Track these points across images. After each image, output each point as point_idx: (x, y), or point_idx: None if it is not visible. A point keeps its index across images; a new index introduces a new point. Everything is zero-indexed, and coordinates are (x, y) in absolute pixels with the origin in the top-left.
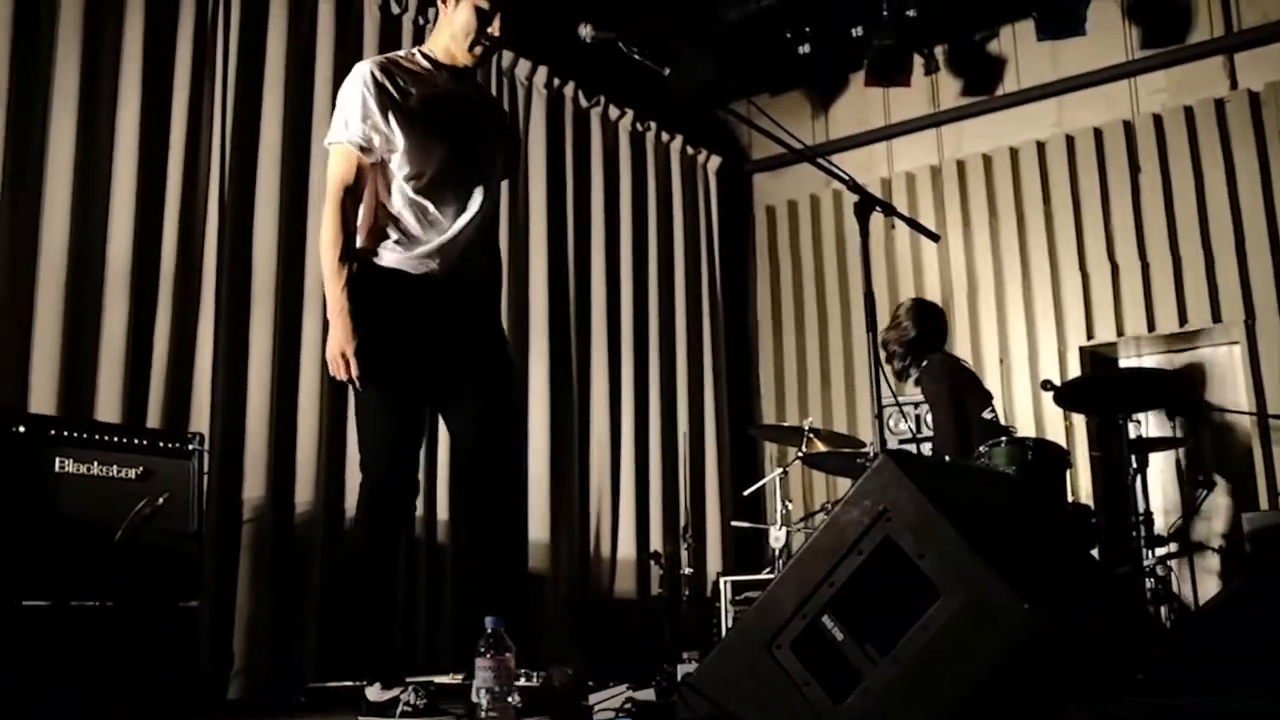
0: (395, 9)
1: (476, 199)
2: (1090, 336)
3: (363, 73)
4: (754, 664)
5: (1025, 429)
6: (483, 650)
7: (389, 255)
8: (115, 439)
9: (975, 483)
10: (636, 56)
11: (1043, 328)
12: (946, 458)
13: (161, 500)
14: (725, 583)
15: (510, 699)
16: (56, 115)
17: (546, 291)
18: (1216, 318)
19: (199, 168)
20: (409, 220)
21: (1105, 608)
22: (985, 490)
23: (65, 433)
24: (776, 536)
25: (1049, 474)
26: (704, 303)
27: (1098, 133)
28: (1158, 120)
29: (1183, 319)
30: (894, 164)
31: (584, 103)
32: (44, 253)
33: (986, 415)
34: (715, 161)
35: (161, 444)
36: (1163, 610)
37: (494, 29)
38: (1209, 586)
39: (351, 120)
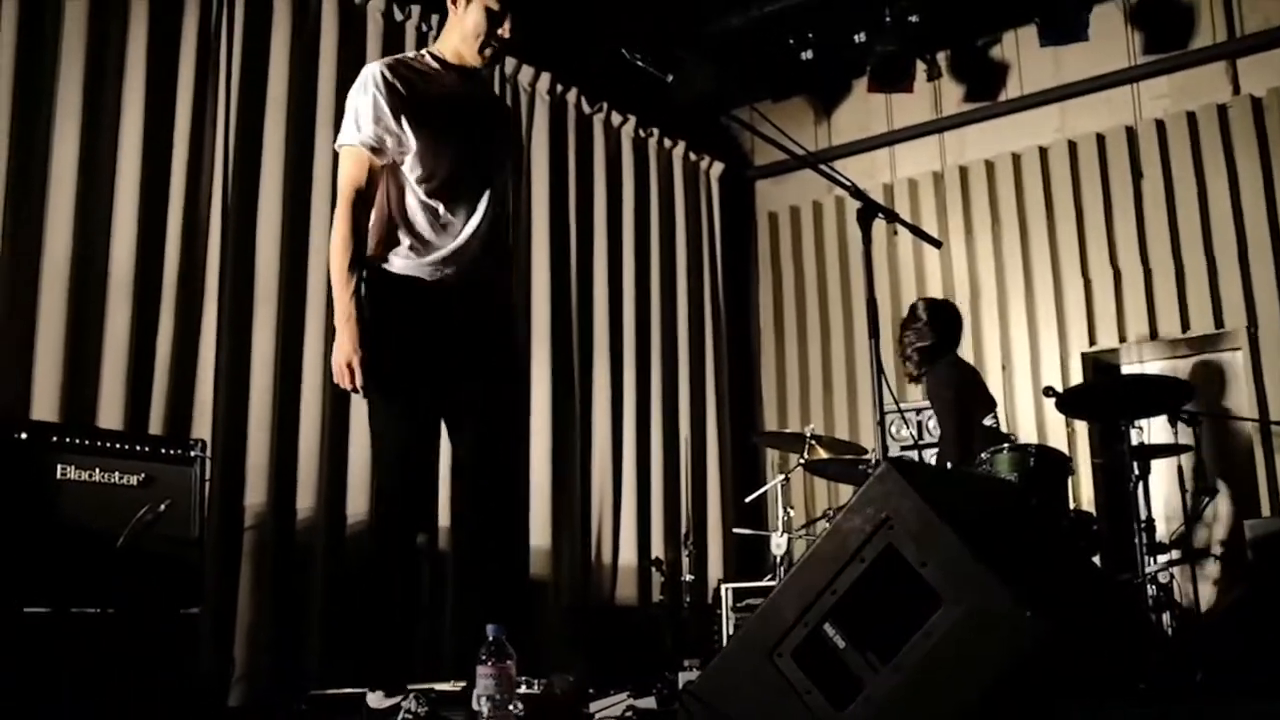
0: (399, 15)
1: (487, 201)
2: (1092, 342)
3: (373, 73)
4: (756, 672)
5: (1027, 435)
6: (484, 658)
7: (401, 262)
8: (117, 446)
9: (977, 490)
10: (639, 63)
11: (1045, 334)
12: (949, 464)
13: (163, 507)
14: (727, 590)
15: (511, 707)
16: (60, 121)
17: (549, 297)
18: (1219, 324)
19: (202, 174)
20: (421, 224)
21: (1107, 615)
22: (987, 497)
23: (67, 439)
24: (778, 543)
25: (1051, 481)
26: (706, 309)
27: (1100, 138)
28: (1160, 126)
29: (1185, 325)
30: (896, 170)
31: (587, 109)
32: (47, 258)
33: (988, 422)
34: (718, 168)
35: (163, 451)
36: (1165, 618)
37: (504, 31)
38: (1211, 594)
39: (363, 121)
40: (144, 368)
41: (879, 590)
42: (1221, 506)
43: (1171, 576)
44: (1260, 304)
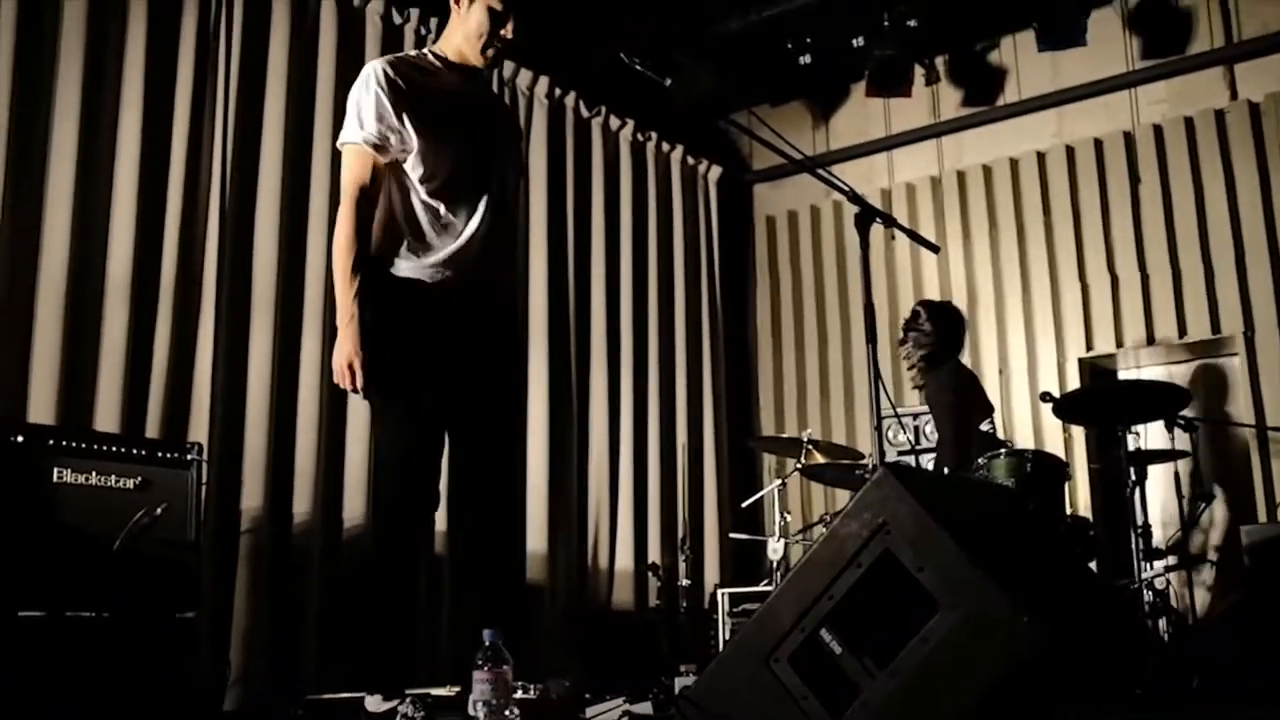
0: (398, 19)
1: (487, 201)
2: (1089, 348)
3: (375, 70)
4: (752, 677)
5: (1024, 441)
6: (480, 663)
7: (402, 264)
8: (114, 449)
9: (975, 495)
10: (638, 67)
11: (1042, 339)
12: (946, 468)
13: (159, 510)
14: (723, 594)
15: (508, 712)
16: (58, 124)
17: (546, 301)
18: (1216, 329)
19: (200, 178)
20: (422, 225)
21: (1104, 621)
22: (985, 503)
23: (64, 442)
24: (775, 548)
25: (1048, 486)
26: (703, 313)
27: (1098, 143)
28: (1158, 131)
29: (1182, 331)
30: (894, 175)
31: (585, 113)
32: (44, 261)
33: (984, 428)
34: (716, 172)
35: (160, 454)
36: (1161, 623)
37: (507, 32)
38: (1207, 600)
39: (366, 119)
40: (141, 371)
41: (876, 596)
42: (1218, 512)
43: (1168, 582)
44: (1257, 309)
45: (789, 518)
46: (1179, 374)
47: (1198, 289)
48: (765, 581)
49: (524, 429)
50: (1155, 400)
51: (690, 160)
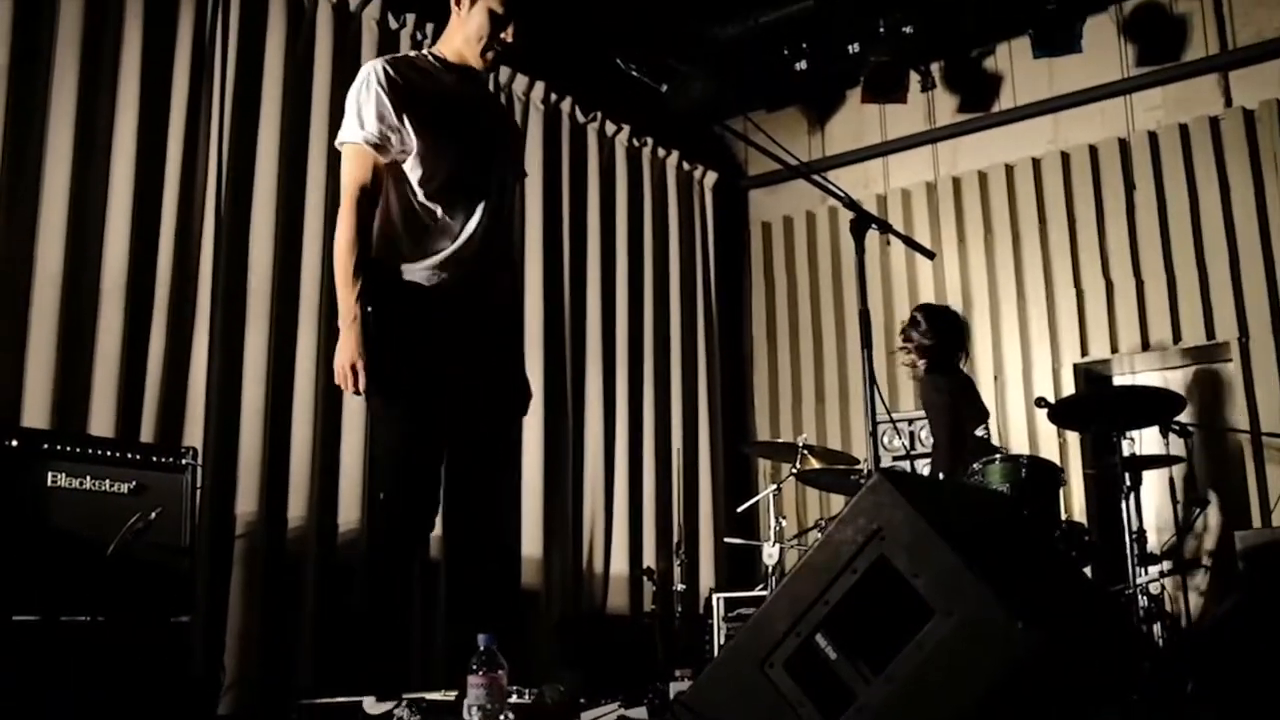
0: (394, 23)
1: (485, 202)
2: (1084, 353)
3: (376, 70)
4: (747, 683)
5: (1019, 446)
6: (475, 668)
7: (401, 266)
8: (108, 453)
9: (970, 501)
10: (634, 73)
11: (1037, 344)
12: (941, 472)
13: (154, 515)
14: (718, 599)
15: (503, 717)
16: (53, 127)
17: (542, 305)
18: (1211, 335)
19: (195, 181)
20: (420, 226)
21: (1099, 626)
22: (980, 508)
23: (58, 446)
24: (770, 553)
25: (1043, 491)
26: (699, 318)
27: (1093, 150)
28: (1153, 138)
29: (1177, 336)
30: (890, 180)
31: (581, 118)
32: (39, 265)
33: (979, 433)
34: (711, 177)
35: (155, 458)
36: (1156, 628)
37: (508, 35)
38: (1202, 605)
39: (366, 118)
40: (136, 375)
41: (871, 601)
42: (1212, 518)
43: (1163, 587)
44: (1252, 315)
45: (784, 523)
46: (1174, 380)
47: (1193, 295)
48: (760, 586)
49: (520, 433)
50: (1150, 406)
51: (686, 166)
